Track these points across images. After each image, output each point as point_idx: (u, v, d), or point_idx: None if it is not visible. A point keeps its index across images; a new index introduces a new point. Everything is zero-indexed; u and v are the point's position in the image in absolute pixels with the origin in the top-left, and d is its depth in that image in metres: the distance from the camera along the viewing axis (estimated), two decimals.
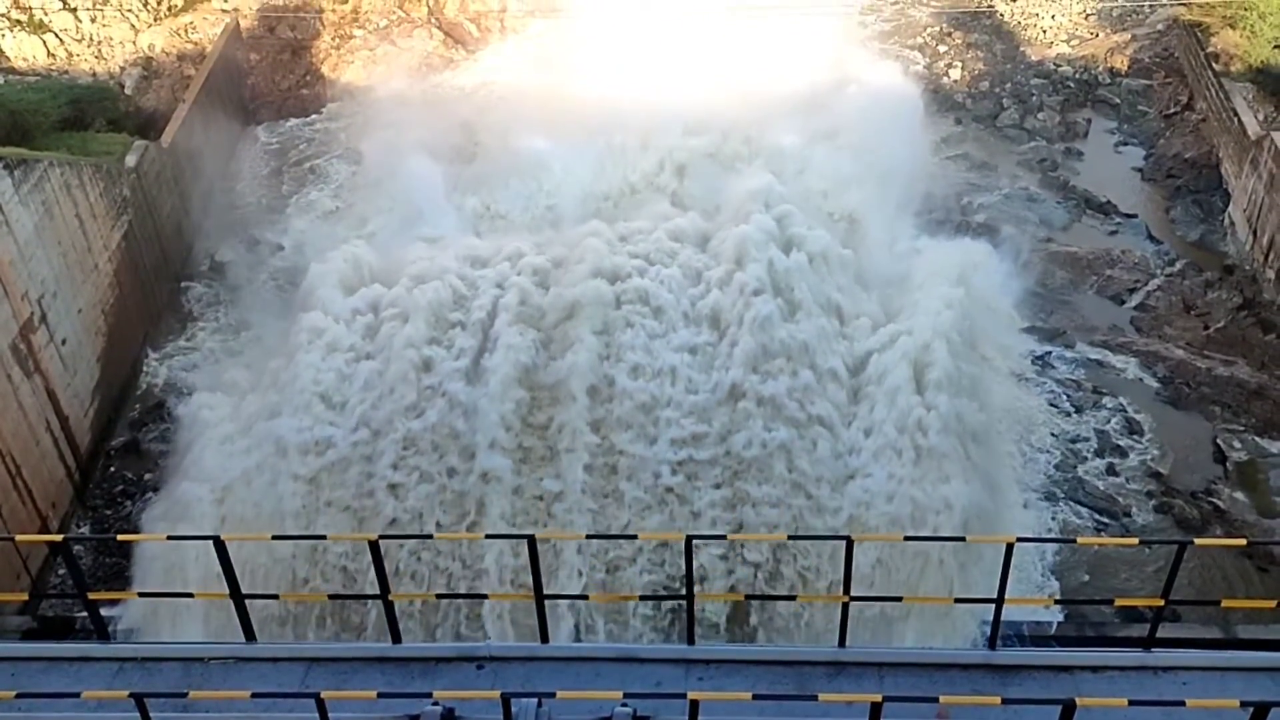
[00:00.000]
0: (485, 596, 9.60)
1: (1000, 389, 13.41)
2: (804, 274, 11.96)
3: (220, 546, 6.88)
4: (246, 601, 7.07)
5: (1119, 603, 9.21)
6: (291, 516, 10.39)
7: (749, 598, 10.10)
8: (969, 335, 12.23)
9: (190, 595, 8.53)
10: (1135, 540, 10.57)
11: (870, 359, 11.54)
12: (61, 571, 11.54)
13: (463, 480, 10.42)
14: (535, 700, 6.49)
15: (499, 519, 10.31)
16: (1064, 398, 13.91)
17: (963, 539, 9.54)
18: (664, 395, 10.88)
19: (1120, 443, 13.30)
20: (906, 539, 9.97)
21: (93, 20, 19.11)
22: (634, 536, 10.14)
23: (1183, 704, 6.26)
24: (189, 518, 10.48)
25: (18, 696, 6.54)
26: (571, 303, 11.29)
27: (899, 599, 9.37)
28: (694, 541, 6.77)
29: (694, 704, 6.17)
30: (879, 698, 6.27)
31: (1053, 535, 11.79)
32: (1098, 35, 23.37)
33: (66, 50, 18.82)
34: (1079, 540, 10.89)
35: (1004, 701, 6.47)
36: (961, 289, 12.51)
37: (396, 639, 7.26)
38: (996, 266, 14.91)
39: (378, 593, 7.06)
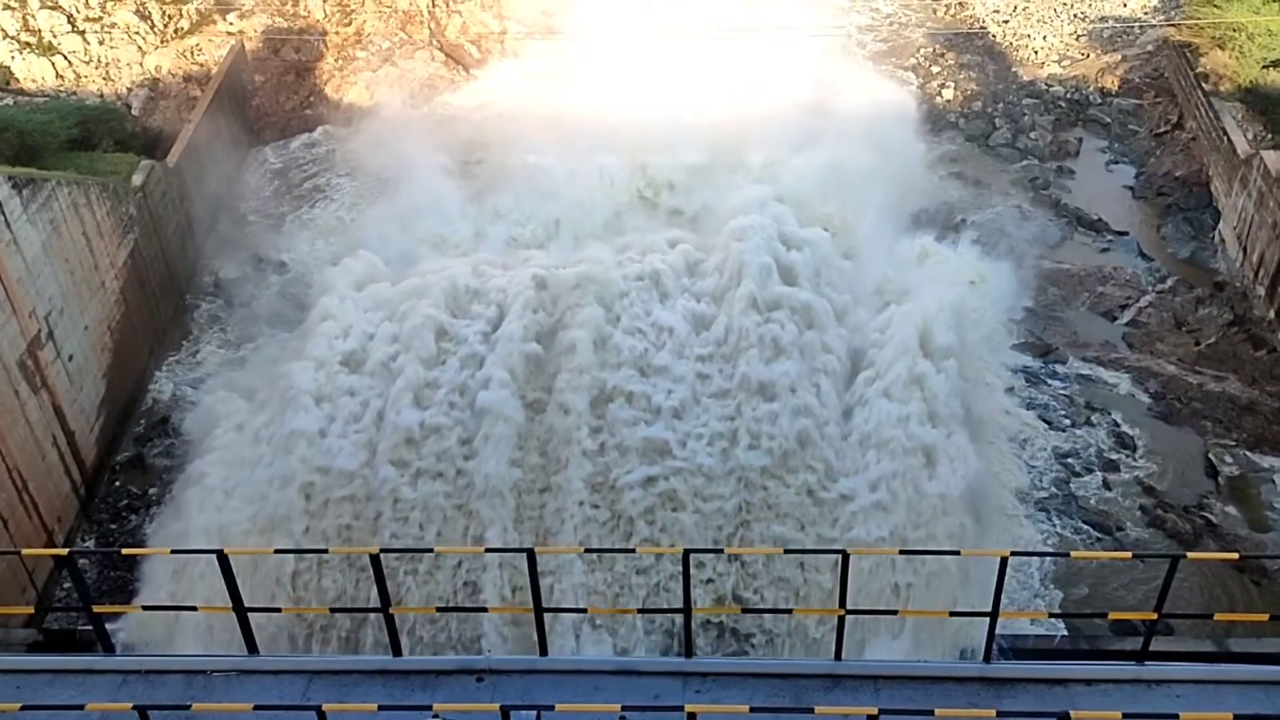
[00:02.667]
0: (485, 610, 9.71)
1: (994, 403, 13.57)
2: (804, 266, 12.28)
3: (223, 560, 6.99)
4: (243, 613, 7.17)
5: (1113, 616, 9.29)
6: (306, 442, 10.63)
7: (746, 610, 10.19)
8: (965, 340, 12.47)
9: (194, 609, 8.61)
10: (1129, 554, 10.64)
11: (871, 339, 11.81)
12: (67, 585, 11.62)
13: (476, 422, 10.75)
14: (534, 713, 6.58)
15: (503, 442, 10.61)
16: (1057, 413, 14.04)
17: (957, 552, 9.64)
18: (663, 342, 11.35)
19: (1113, 458, 13.42)
20: (901, 552, 10.07)
21: (101, 42, 19.42)
22: (633, 550, 10.26)
23: (1176, 717, 6.38)
24: (202, 485, 10.87)
25: (23, 709, 6.64)
26: (576, 282, 11.75)
27: (894, 612, 9.45)
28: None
29: (691, 716, 6.29)
30: (875, 710, 6.39)
31: (1047, 549, 11.89)
32: (1088, 56, 23.75)
33: (75, 72, 19.11)
34: (1073, 554, 10.99)
35: (998, 715, 6.59)
36: (959, 288, 12.87)
37: (397, 652, 7.36)
38: (989, 282, 15.14)
39: (378, 606, 7.17)
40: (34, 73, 18.89)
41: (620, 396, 10.85)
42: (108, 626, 7.55)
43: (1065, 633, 10.51)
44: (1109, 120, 21.39)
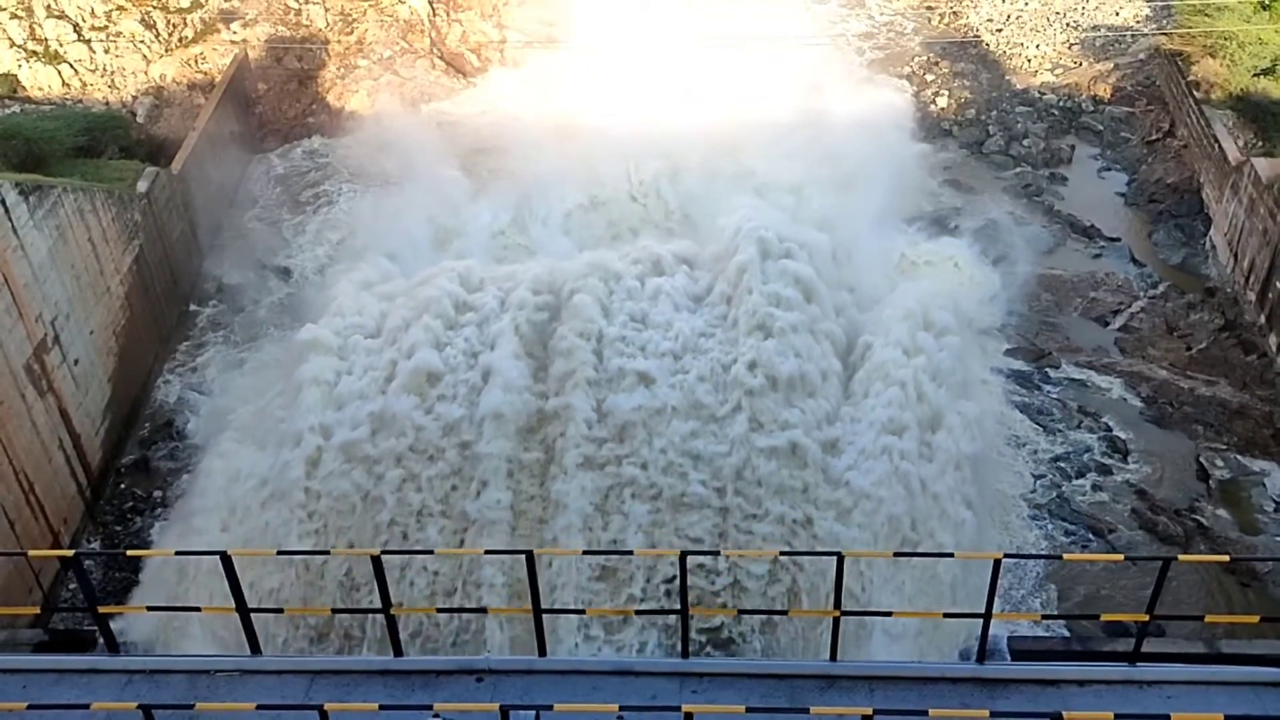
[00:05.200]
0: (485, 610, 9.82)
1: (990, 404, 13.69)
2: (800, 257, 12.46)
3: (227, 562, 7.10)
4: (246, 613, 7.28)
5: (1104, 617, 9.35)
6: (319, 387, 10.93)
7: (743, 612, 10.28)
8: (961, 337, 12.60)
9: (197, 609, 8.74)
10: (1120, 556, 10.79)
11: (869, 327, 11.91)
12: (72, 586, 11.73)
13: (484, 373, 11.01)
14: (533, 713, 6.69)
15: (509, 372, 10.86)
16: (1050, 417, 14.18)
17: (951, 555, 9.75)
18: (660, 303, 11.64)
19: (1105, 461, 13.55)
20: (896, 555, 10.17)
21: (106, 51, 19.61)
22: (630, 552, 10.36)
23: (1167, 718, 6.50)
24: (214, 453, 11.28)
25: (29, 708, 6.75)
26: (580, 269, 12.11)
27: (889, 614, 9.55)
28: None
29: (688, 717, 6.40)
30: (869, 711, 6.50)
31: (1040, 551, 12.01)
32: (1081, 64, 23.99)
33: (81, 80, 19.29)
34: (1065, 557, 11.10)
35: (991, 715, 6.69)
36: (955, 287, 13.03)
37: (398, 652, 7.48)
38: (983, 287, 15.31)
39: (379, 607, 7.29)
40: (40, 81, 19.08)
41: (619, 341, 11.16)
42: (112, 626, 7.66)
43: (1067, 633, 10.60)
44: (1101, 128, 21.59)
